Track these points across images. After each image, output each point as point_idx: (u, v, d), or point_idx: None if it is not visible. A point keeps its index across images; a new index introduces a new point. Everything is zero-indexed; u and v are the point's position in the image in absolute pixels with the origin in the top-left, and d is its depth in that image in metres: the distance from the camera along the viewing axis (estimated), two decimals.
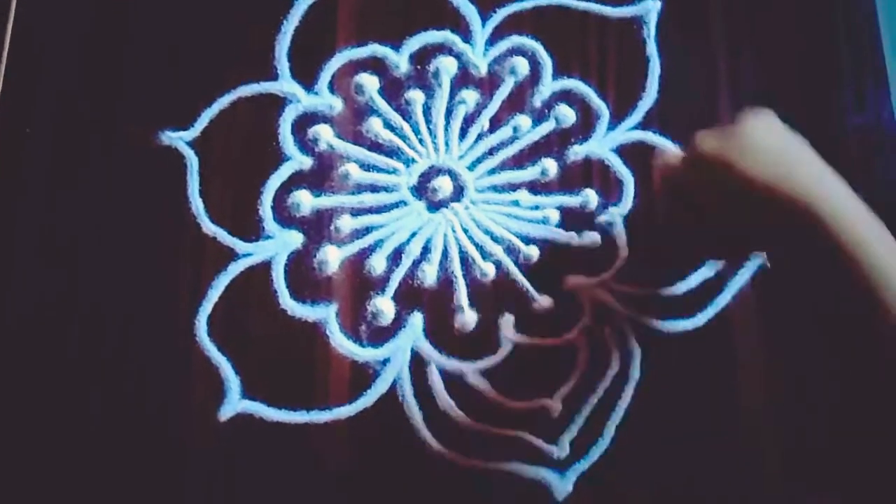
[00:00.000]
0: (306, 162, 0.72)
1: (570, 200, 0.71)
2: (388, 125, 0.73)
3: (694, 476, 0.65)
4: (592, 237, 0.70)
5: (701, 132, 0.57)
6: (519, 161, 0.72)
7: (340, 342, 0.67)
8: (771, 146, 0.52)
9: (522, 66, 0.74)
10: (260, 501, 0.64)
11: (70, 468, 0.64)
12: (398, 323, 0.68)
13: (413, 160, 0.72)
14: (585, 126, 0.73)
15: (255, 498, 0.64)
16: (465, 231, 0.70)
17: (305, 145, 0.72)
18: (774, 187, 0.49)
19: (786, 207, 0.48)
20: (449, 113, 0.73)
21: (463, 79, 0.74)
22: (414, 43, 0.75)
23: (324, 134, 0.72)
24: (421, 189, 0.72)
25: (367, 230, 0.70)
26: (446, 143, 0.73)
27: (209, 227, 0.70)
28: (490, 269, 0.69)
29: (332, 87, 0.74)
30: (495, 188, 0.72)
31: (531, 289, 0.69)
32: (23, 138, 0.72)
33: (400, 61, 0.74)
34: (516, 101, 0.74)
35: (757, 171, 0.50)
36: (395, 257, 0.70)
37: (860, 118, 0.73)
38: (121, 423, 0.66)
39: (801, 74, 0.75)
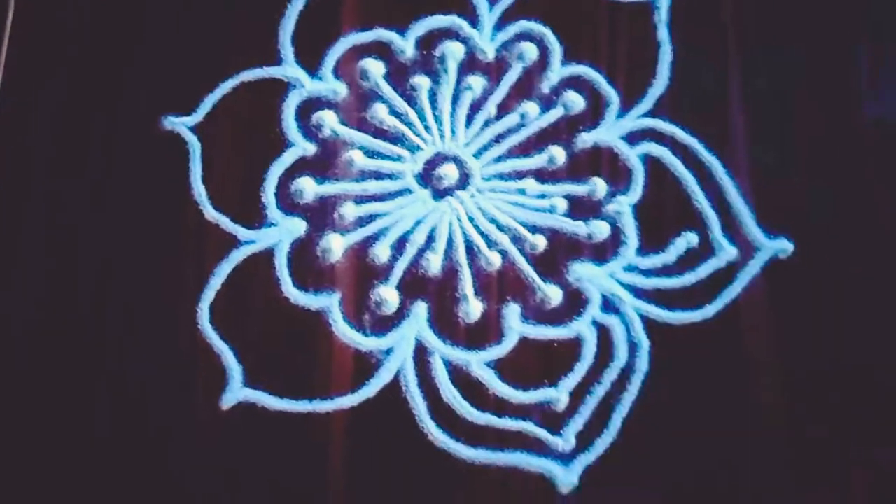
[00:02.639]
0: (310, 148, 0.71)
1: (578, 189, 0.70)
2: (394, 111, 0.72)
3: (701, 468, 0.64)
4: (600, 226, 0.69)
5: None
6: (526, 149, 0.71)
7: (343, 331, 0.67)
8: None
9: (531, 51, 0.73)
10: (261, 490, 0.64)
11: (70, 455, 0.64)
12: (402, 312, 0.67)
13: (418, 147, 0.71)
14: (594, 113, 0.72)
15: (257, 486, 0.63)
16: (471, 219, 0.69)
17: (309, 131, 0.71)
18: None
19: None
20: (455, 99, 0.72)
21: (470, 64, 0.73)
22: (420, 27, 0.73)
23: (328, 120, 0.71)
24: (426, 176, 0.71)
25: (371, 218, 0.70)
26: (452, 130, 0.71)
27: (211, 214, 0.69)
28: (496, 259, 0.68)
29: (337, 73, 0.72)
30: (502, 176, 0.71)
31: (537, 278, 0.68)
32: (27, 124, 0.71)
33: (406, 46, 0.73)
34: (524, 88, 0.72)
35: None
36: (400, 246, 0.69)
37: (876, 107, 0.71)
38: (122, 410, 0.65)
39: (814, 61, 0.73)
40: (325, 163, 0.71)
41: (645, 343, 0.66)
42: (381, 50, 0.73)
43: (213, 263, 0.68)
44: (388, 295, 0.68)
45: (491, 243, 0.69)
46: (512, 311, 0.67)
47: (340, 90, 0.72)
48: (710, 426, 0.65)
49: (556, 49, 0.73)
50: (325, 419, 0.65)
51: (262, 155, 0.71)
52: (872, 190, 0.68)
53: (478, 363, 0.66)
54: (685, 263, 0.68)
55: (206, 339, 0.66)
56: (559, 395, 0.65)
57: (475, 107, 0.72)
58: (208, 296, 0.67)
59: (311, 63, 0.73)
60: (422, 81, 0.72)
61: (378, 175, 0.71)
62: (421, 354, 0.66)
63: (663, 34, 0.73)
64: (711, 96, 0.72)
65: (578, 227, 0.69)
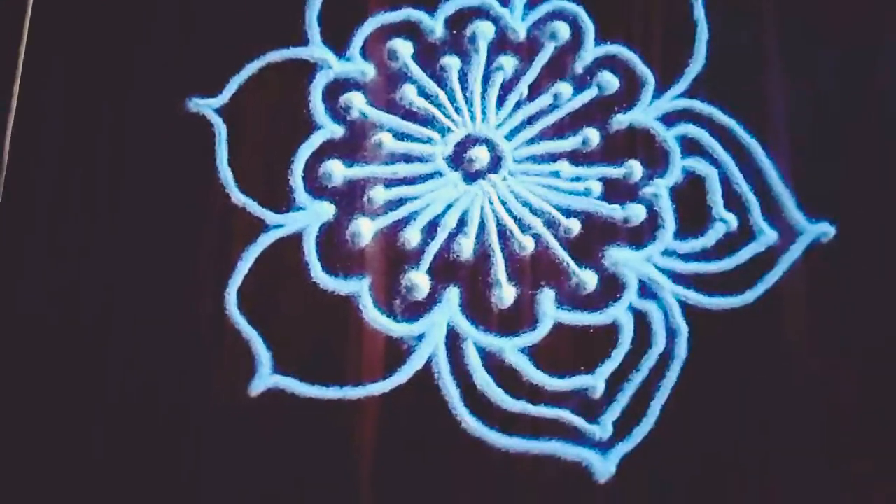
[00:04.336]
0: (338, 130, 0.69)
1: (613, 171, 0.68)
2: (423, 93, 0.70)
3: (740, 457, 0.63)
4: (637, 210, 0.67)
5: None
6: (559, 130, 0.69)
7: (374, 317, 0.65)
8: None
9: (563, 30, 0.71)
10: (291, 478, 0.62)
11: (96, 442, 0.63)
12: (433, 297, 0.66)
13: (448, 129, 0.69)
14: (629, 94, 0.70)
15: (286, 474, 0.62)
16: (503, 203, 0.68)
17: (337, 113, 0.70)
18: None
19: None
20: (486, 80, 0.70)
21: (500, 44, 0.71)
22: (449, 7, 0.72)
23: (356, 101, 0.70)
24: (457, 159, 0.69)
25: (401, 202, 0.68)
26: (483, 112, 0.70)
27: (238, 198, 0.68)
28: (529, 243, 0.67)
29: (365, 53, 0.71)
30: (534, 159, 0.69)
31: (572, 263, 0.66)
32: (46, 106, 0.70)
33: (435, 26, 0.71)
34: (557, 68, 0.71)
35: None
36: (430, 230, 0.67)
37: None
38: (149, 397, 0.64)
39: (848, 44, 0.71)
40: (353, 145, 0.69)
41: (684, 329, 0.65)
42: (410, 30, 0.72)
43: (240, 248, 0.67)
44: (419, 280, 0.66)
45: (524, 227, 0.67)
46: (546, 297, 0.66)
47: (368, 71, 0.70)
48: (749, 413, 0.64)
49: (589, 28, 0.71)
50: (356, 406, 0.64)
51: (290, 137, 0.69)
52: None
53: (511, 349, 0.65)
54: (725, 248, 0.66)
55: (234, 325, 0.65)
56: (595, 383, 0.64)
57: (507, 88, 0.71)
58: (236, 281, 0.66)
59: (338, 44, 0.71)
60: (452, 62, 0.71)
61: (408, 158, 0.69)
62: (453, 340, 0.65)
63: (699, 12, 0.71)
64: (750, 77, 0.71)
65: (614, 211, 0.67)
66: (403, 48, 0.71)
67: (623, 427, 0.63)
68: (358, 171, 0.69)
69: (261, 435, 0.63)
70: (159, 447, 0.63)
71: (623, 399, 0.64)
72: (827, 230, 0.67)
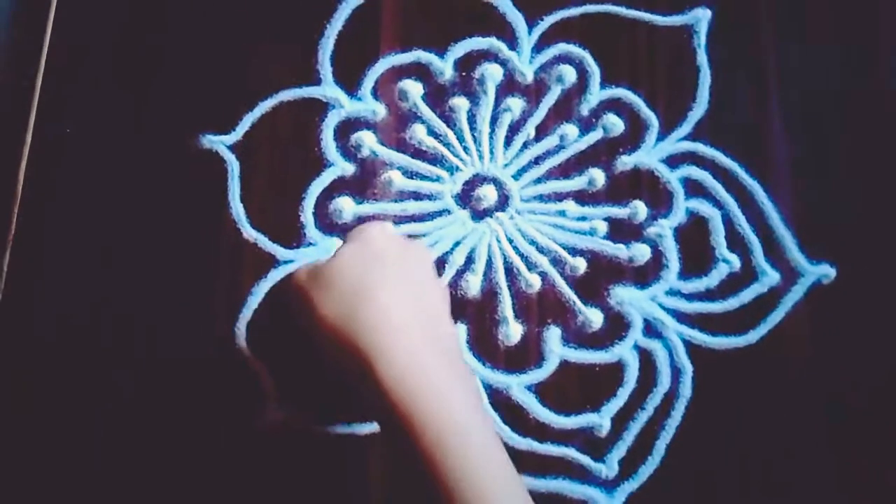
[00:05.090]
0: (349, 168, 0.71)
1: (619, 211, 0.70)
2: (432, 132, 0.72)
3: (745, 494, 0.63)
4: (641, 249, 0.68)
5: (301, 265, 0.59)
6: (565, 171, 0.71)
7: None
8: (347, 280, 0.49)
9: (570, 74, 0.73)
10: None
11: (102, 476, 0.63)
12: None
13: (457, 168, 0.71)
14: (634, 136, 0.71)
15: None
16: (510, 241, 0.69)
17: (348, 151, 0.71)
18: (337, 326, 0.47)
19: (347, 348, 0.46)
20: (494, 121, 0.72)
21: (508, 86, 0.73)
22: (459, 49, 0.73)
23: (367, 140, 0.71)
24: (465, 197, 0.70)
25: (410, 238, 0.69)
26: (491, 152, 0.71)
27: (250, 233, 0.69)
28: (535, 281, 0.67)
29: (376, 93, 0.72)
30: (541, 198, 0.70)
31: (578, 301, 0.67)
32: (59, 139, 0.71)
33: (444, 68, 0.73)
34: (563, 110, 0.72)
35: (327, 307, 0.48)
36: (438, 267, 0.68)
37: None
38: (157, 430, 0.64)
39: (853, 83, 0.73)
40: (363, 183, 0.70)
41: (688, 368, 0.65)
42: (420, 71, 0.73)
43: (251, 282, 0.68)
44: None
45: (531, 265, 0.68)
46: (553, 334, 0.67)
47: (379, 111, 0.72)
48: (753, 451, 0.64)
49: (595, 72, 0.73)
50: (364, 441, 0.64)
51: (301, 174, 0.70)
52: None
53: (518, 387, 0.65)
54: (728, 288, 0.67)
55: (243, 359, 0.66)
56: (602, 421, 0.64)
57: (514, 128, 0.72)
58: (246, 315, 0.67)
59: (350, 84, 0.73)
60: (460, 103, 0.72)
61: (417, 196, 0.70)
62: None
63: (702, 58, 0.73)
64: (752, 120, 0.72)
65: (619, 250, 0.69)
66: (414, 89, 0.73)
67: (629, 465, 0.63)
68: (368, 208, 0.70)
69: (268, 469, 0.64)
70: (164, 480, 0.63)
71: (629, 437, 0.64)
72: (828, 272, 0.68)
